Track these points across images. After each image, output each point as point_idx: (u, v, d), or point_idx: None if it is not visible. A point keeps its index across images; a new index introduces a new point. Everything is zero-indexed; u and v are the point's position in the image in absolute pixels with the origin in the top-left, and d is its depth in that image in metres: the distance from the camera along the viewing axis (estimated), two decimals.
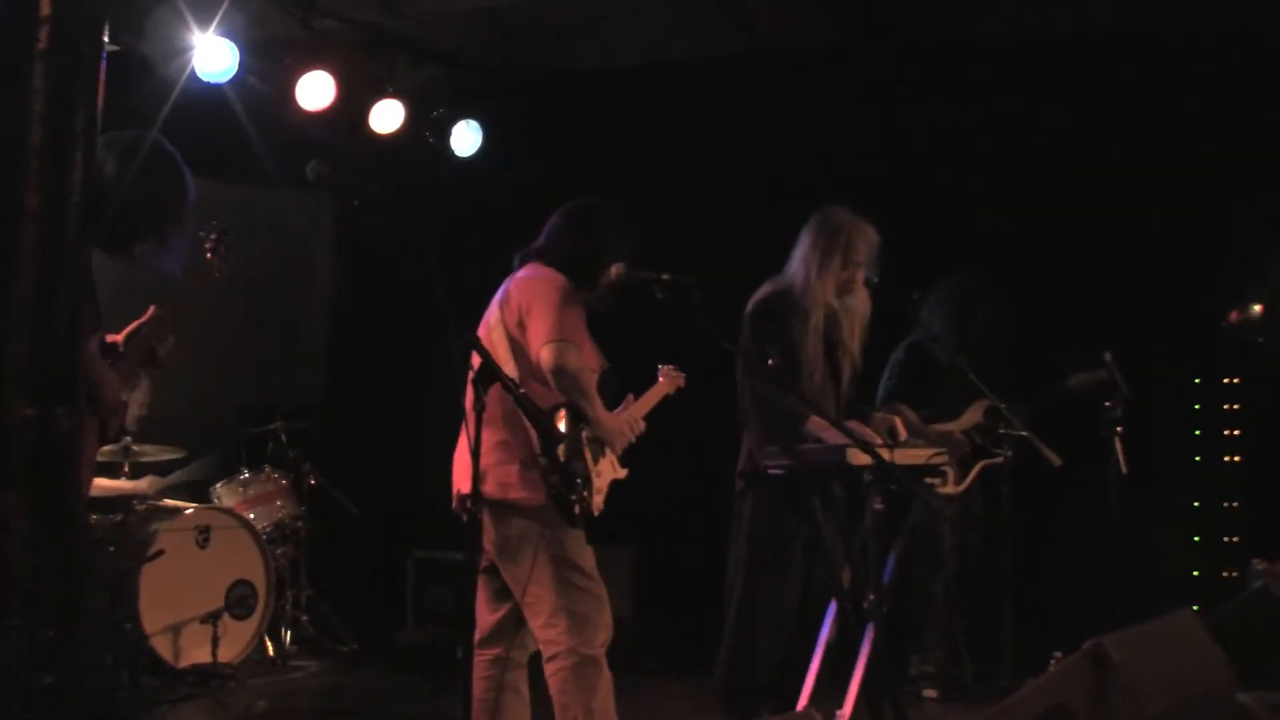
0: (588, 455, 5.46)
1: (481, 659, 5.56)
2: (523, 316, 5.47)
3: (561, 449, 5.30)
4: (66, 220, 3.42)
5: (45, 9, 3.35)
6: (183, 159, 5.57)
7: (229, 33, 8.17)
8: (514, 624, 5.63)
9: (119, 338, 5.91)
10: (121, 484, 8.20)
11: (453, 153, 9.84)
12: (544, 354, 5.34)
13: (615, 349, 5.67)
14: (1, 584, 3.31)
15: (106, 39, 3.70)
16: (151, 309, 5.77)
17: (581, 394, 5.39)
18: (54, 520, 3.39)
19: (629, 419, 5.81)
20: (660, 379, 6.18)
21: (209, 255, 5.95)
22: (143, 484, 8.40)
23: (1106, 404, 7.32)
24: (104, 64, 3.56)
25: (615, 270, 5.55)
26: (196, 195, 5.68)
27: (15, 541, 3.32)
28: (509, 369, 5.42)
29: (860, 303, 6.57)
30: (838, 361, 6.55)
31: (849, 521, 6.31)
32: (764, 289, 6.59)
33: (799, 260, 6.55)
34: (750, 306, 6.56)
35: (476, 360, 4.67)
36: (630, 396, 5.96)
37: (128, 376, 5.87)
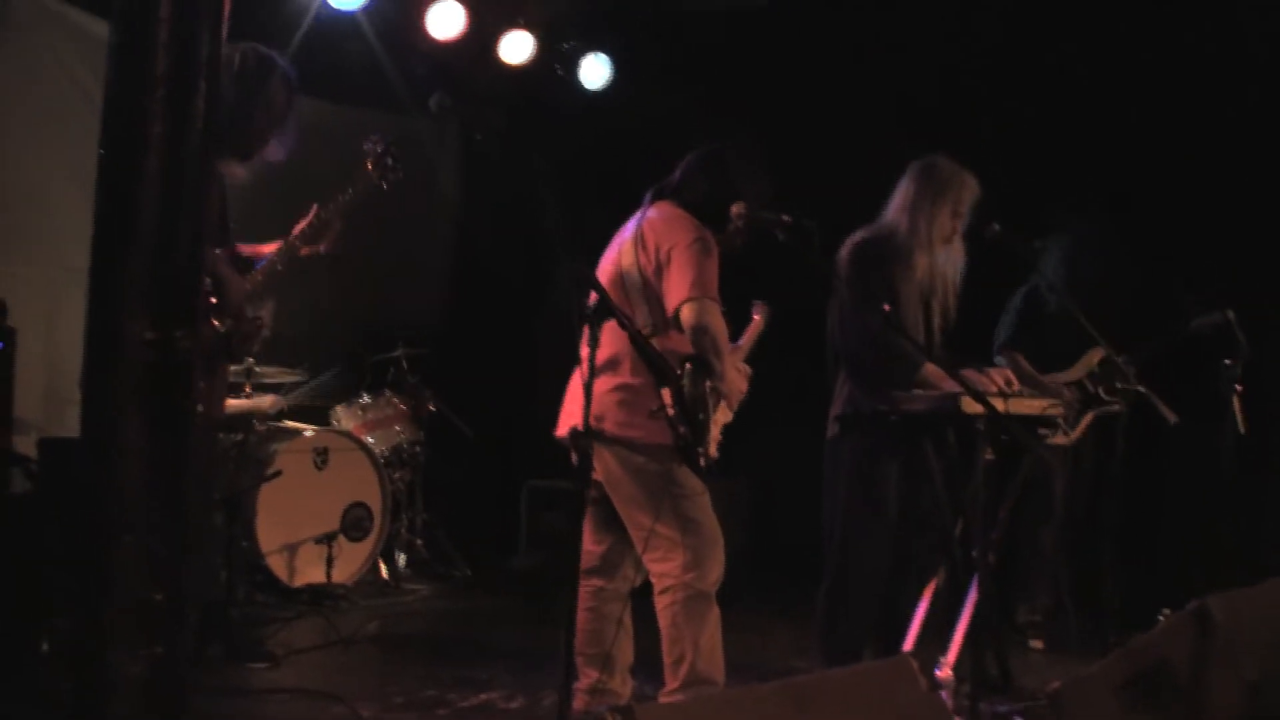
0: (709, 406, 5.51)
1: (584, 589, 5.65)
2: (661, 263, 5.49)
3: (688, 398, 5.34)
4: (189, 146, 3.47)
5: None
6: (315, 81, 5.80)
7: None
8: (617, 556, 5.75)
9: (260, 249, 6.07)
10: (244, 402, 8.32)
11: (581, 85, 9.83)
12: (686, 311, 5.37)
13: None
14: (117, 502, 3.39)
15: None
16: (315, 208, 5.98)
17: (716, 352, 5.42)
18: (169, 441, 3.45)
19: (736, 366, 5.86)
20: (755, 316, 6.21)
21: (369, 166, 6.10)
22: (265, 401, 8.53)
23: (1226, 362, 7.19)
24: None
25: (736, 210, 5.55)
26: (322, 118, 5.89)
27: (131, 461, 3.39)
28: (641, 312, 5.48)
29: (956, 254, 6.50)
30: (930, 311, 6.51)
31: (960, 470, 6.29)
32: (859, 234, 6.54)
33: (902, 207, 6.48)
34: (848, 250, 6.48)
35: (593, 296, 4.70)
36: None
37: (261, 289, 6.03)
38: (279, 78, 5.89)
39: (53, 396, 7.82)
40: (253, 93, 5.76)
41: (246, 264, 6.00)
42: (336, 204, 6.07)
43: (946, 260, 6.48)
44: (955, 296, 6.57)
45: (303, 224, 6.09)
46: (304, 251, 6.17)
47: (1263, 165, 8.55)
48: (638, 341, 4.90)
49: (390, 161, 6.16)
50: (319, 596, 8.26)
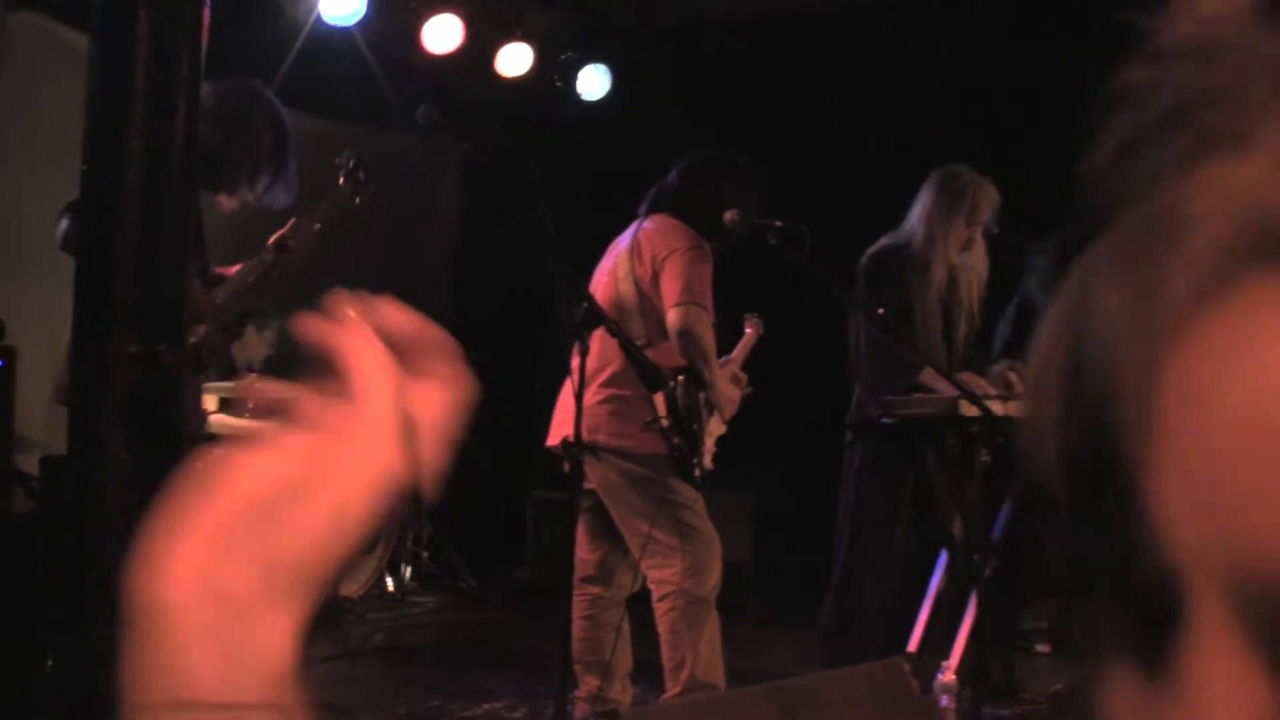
0: (703, 417, 5.54)
1: (581, 598, 5.67)
2: (657, 271, 5.52)
3: (682, 409, 5.38)
4: (170, 163, 3.49)
5: None
6: (309, 97, 5.67)
7: None
8: (613, 564, 5.77)
9: (230, 271, 5.97)
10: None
11: (580, 97, 9.82)
12: (672, 315, 5.41)
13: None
14: (101, 515, 3.40)
15: None
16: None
17: (703, 358, 5.46)
18: (154, 454, 3.46)
19: (732, 376, 5.89)
20: (747, 329, 6.24)
21: (341, 181, 5.96)
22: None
23: None
24: (208, 10, 3.62)
25: (729, 217, 5.57)
26: (319, 134, 5.76)
27: (116, 474, 3.40)
28: (636, 324, 5.50)
29: (978, 260, 6.51)
30: (954, 319, 6.51)
31: (961, 473, 6.29)
32: (880, 243, 6.55)
33: (920, 217, 6.49)
34: (865, 260, 6.52)
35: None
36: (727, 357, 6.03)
37: (232, 301, 5.90)
38: (264, 114, 5.74)
39: (57, 413, 7.82)
40: (233, 130, 5.58)
41: (218, 281, 5.91)
42: (310, 215, 5.92)
43: (967, 267, 6.50)
44: (980, 303, 6.58)
45: (276, 236, 5.91)
46: (277, 264, 6.02)
47: None
48: (627, 348, 4.92)
49: (362, 176, 6.00)
50: (325, 610, 8.17)
